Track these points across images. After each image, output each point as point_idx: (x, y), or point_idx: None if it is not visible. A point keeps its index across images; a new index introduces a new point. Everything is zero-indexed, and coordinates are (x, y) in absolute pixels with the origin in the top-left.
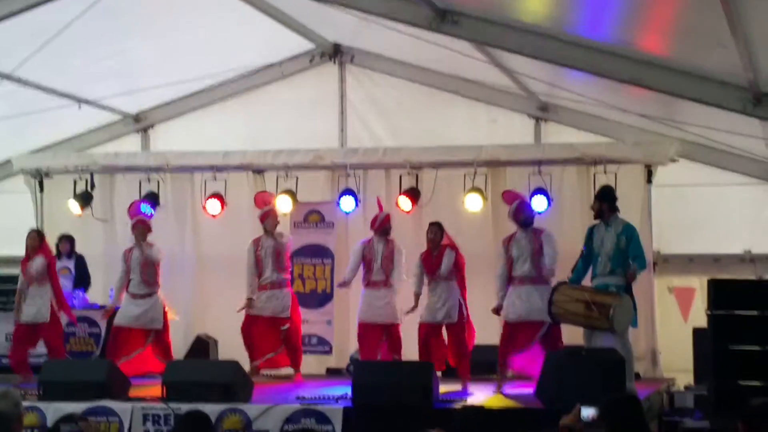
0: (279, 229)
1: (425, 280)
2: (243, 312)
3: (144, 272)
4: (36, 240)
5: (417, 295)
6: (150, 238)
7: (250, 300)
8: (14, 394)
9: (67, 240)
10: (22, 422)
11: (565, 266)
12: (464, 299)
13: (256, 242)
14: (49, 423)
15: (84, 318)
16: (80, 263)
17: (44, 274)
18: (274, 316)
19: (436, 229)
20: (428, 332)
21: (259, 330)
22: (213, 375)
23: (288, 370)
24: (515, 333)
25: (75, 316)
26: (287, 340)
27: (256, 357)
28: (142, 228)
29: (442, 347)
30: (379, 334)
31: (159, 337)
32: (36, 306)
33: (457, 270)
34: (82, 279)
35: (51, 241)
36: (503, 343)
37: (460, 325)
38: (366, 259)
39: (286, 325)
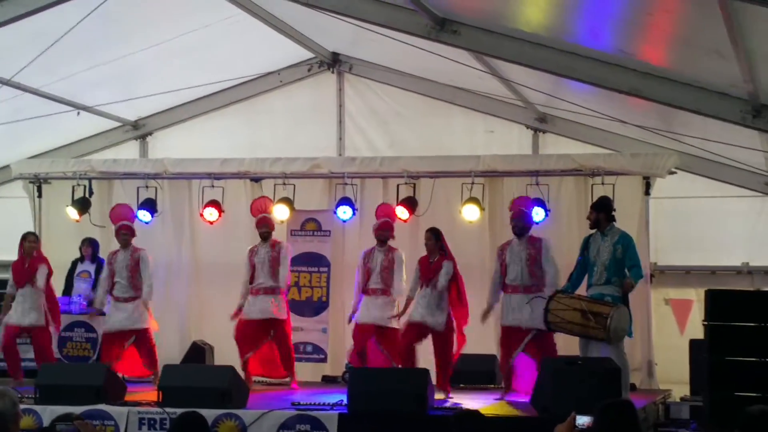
0: (276, 236)
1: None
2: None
3: (132, 276)
4: (36, 244)
5: (409, 300)
6: (148, 244)
7: (240, 308)
8: (11, 393)
9: (89, 244)
10: (19, 423)
11: (561, 275)
12: (463, 310)
13: (252, 251)
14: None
15: (81, 323)
16: (100, 268)
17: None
18: (263, 318)
19: (430, 235)
20: (411, 331)
21: (251, 330)
22: (209, 380)
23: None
24: (511, 336)
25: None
26: (279, 345)
27: (245, 351)
28: (126, 233)
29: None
30: (371, 332)
31: (142, 338)
32: (33, 310)
33: (454, 281)
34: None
35: (50, 247)
36: (503, 347)
37: (447, 336)
38: (366, 267)
39: (273, 331)
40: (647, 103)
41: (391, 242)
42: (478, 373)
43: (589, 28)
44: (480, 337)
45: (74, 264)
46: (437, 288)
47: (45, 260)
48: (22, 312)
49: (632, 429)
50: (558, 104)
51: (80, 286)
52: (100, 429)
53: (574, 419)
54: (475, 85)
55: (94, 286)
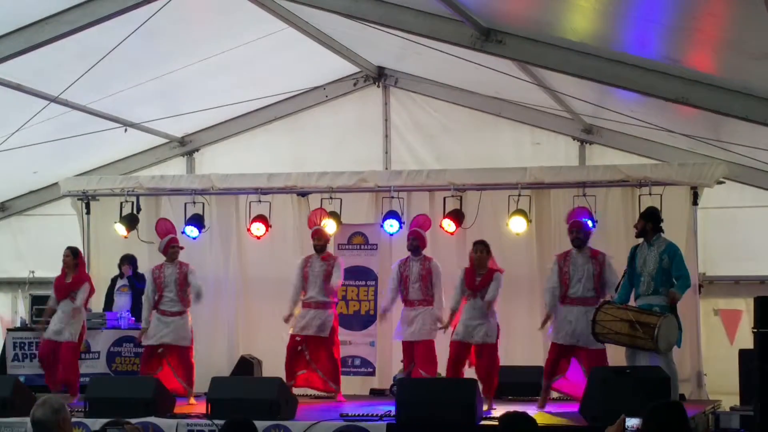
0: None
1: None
2: (288, 332)
3: (180, 290)
4: (70, 258)
5: (453, 312)
6: (196, 259)
7: (290, 316)
8: (54, 401)
9: (127, 261)
10: (67, 426)
11: None
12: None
13: (306, 260)
14: None
15: (130, 338)
16: (139, 282)
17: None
18: (316, 335)
19: (482, 248)
20: (459, 351)
21: (299, 350)
22: (257, 392)
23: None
24: (561, 356)
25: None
26: (318, 358)
27: (288, 378)
28: (175, 247)
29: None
30: (412, 351)
31: (183, 356)
32: (67, 325)
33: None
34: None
35: (99, 263)
36: (549, 364)
37: (494, 347)
38: (402, 277)
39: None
40: (694, 112)
41: (426, 252)
42: (523, 385)
43: (635, 36)
44: (525, 349)
45: (113, 281)
46: (486, 299)
47: (88, 278)
48: (56, 326)
49: (682, 429)
50: (604, 114)
51: (121, 301)
52: None
53: (624, 421)
54: (521, 97)
55: (134, 296)
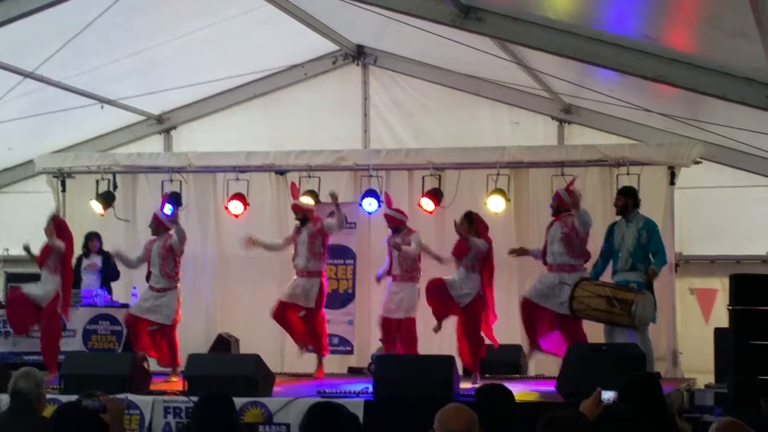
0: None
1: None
2: (269, 309)
3: (164, 264)
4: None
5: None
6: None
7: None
8: (36, 374)
9: (95, 237)
10: (44, 403)
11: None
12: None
13: (297, 231)
14: None
15: (106, 316)
16: (107, 260)
17: (58, 262)
18: (297, 304)
19: (461, 218)
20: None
21: (292, 317)
22: (234, 368)
23: (309, 368)
24: (532, 312)
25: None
26: (307, 325)
27: (297, 339)
28: (152, 222)
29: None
30: (394, 328)
31: (167, 333)
32: (43, 290)
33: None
34: (111, 275)
35: (74, 240)
36: (524, 321)
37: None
38: (389, 252)
39: (303, 312)
40: (672, 91)
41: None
42: (503, 364)
43: (614, 14)
44: (503, 328)
45: (79, 259)
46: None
47: (63, 238)
48: (36, 289)
49: (657, 401)
50: (583, 94)
51: (90, 279)
52: (126, 419)
53: (600, 395)
54: (501, 76)
55: (103, 277)
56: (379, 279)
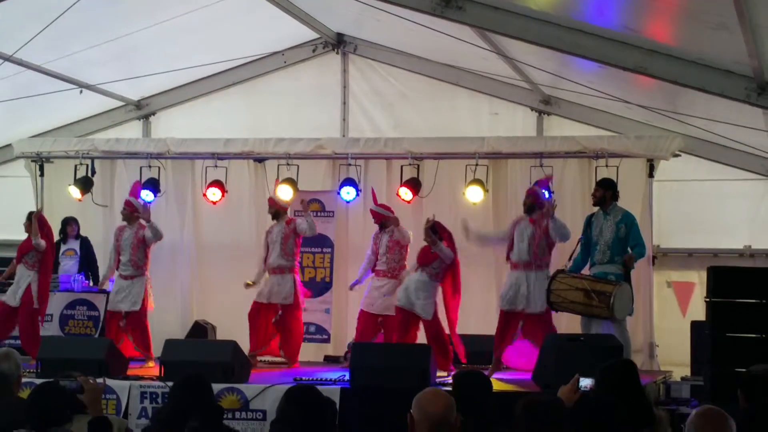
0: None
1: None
2: (246, 297)
3: (134, 253)
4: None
5: None
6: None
7: (248, 284)
8: (15, 355)
9: (73, 222)
10: (20, 383)
11: (564, 255)
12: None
13: (269, 231)
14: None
15: (83, 301)
16: (85, 245)
17: (36, 259)
18: (276, 303)
19: (427, 231)
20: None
21: (265, 319)
22: (211, 354)
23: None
24: (507, 323)
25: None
26: (282, 325)
27: (253, 348)
28: (125, 209)
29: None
30: (375, 323)
31: (135, 320)
32: (16, 293)
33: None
34: (88, 260)
35: (52, 226)
36: (497, 333)
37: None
38: (373, 249)
39: (280, 312)
40: (652, 83)
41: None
42: (475, 354)
43: (595, 5)
44: (480, 320)
45: (57, 244)
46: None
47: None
48: (13, 291)
49: (633, 388)
50: (563, 85)
51: (68, 264)
52: (102, 403)
53: (578, 381)
54: (481, 67)
55: (81, 263)
56: (354, 286)
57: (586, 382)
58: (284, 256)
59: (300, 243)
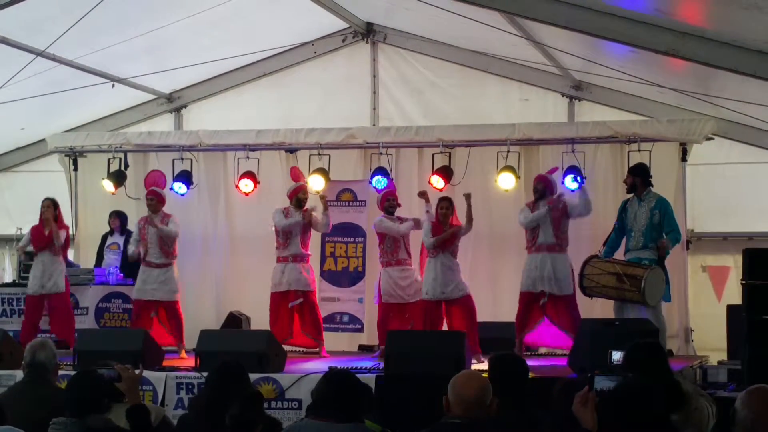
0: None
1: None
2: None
3: (161, 245)
4: (48, 210)
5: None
6: (184, 216)
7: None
8: (51, 344)
9: (117, 216)
10: (58, 373)
11: (597, 241)
12: None
13: (286, 210)
14: None
15: (119, 294)
16: (128, 241)
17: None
18: (297, 290)
19: (447, 204)
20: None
21: (286, 309)
22: (246, 344)
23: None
24: (529, 305)
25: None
26: (307, 310)
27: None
28: (151, 199)
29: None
30: (402, 313)
31: (171, 310)
32: (51, 276)
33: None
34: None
35: (87, 220)
36: (519, 316)
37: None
38: (382, 236)
39: (300, 300)
40: (684, 66)
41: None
42: (499, 340)
43: None
44: (513, 306)
45: (104, 238)
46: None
47: (66, 227)
48: (41, 279)
49: (660, 365)
50: (594, 70)
51: (110, 258)
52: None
53: (590, 387)
54: (510, 53)
55: (124, 257)
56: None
57: (617, 356)
58: (301, 246)
59: (311, 235)
